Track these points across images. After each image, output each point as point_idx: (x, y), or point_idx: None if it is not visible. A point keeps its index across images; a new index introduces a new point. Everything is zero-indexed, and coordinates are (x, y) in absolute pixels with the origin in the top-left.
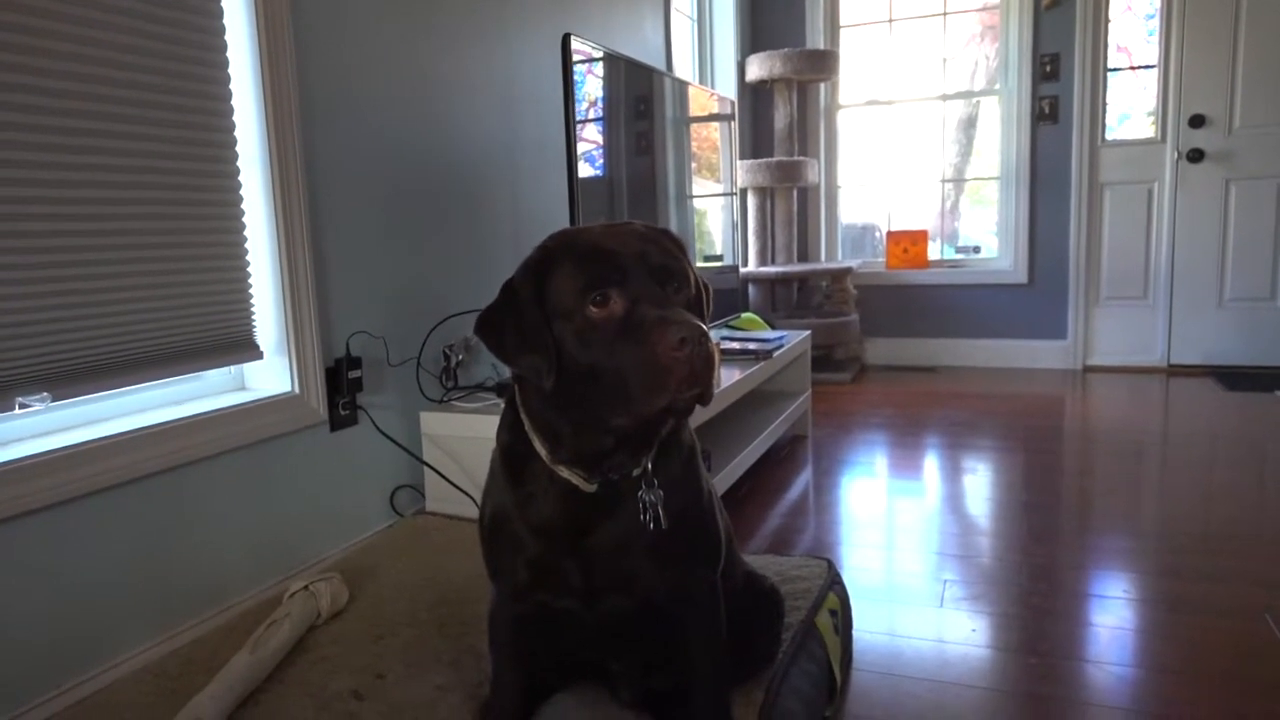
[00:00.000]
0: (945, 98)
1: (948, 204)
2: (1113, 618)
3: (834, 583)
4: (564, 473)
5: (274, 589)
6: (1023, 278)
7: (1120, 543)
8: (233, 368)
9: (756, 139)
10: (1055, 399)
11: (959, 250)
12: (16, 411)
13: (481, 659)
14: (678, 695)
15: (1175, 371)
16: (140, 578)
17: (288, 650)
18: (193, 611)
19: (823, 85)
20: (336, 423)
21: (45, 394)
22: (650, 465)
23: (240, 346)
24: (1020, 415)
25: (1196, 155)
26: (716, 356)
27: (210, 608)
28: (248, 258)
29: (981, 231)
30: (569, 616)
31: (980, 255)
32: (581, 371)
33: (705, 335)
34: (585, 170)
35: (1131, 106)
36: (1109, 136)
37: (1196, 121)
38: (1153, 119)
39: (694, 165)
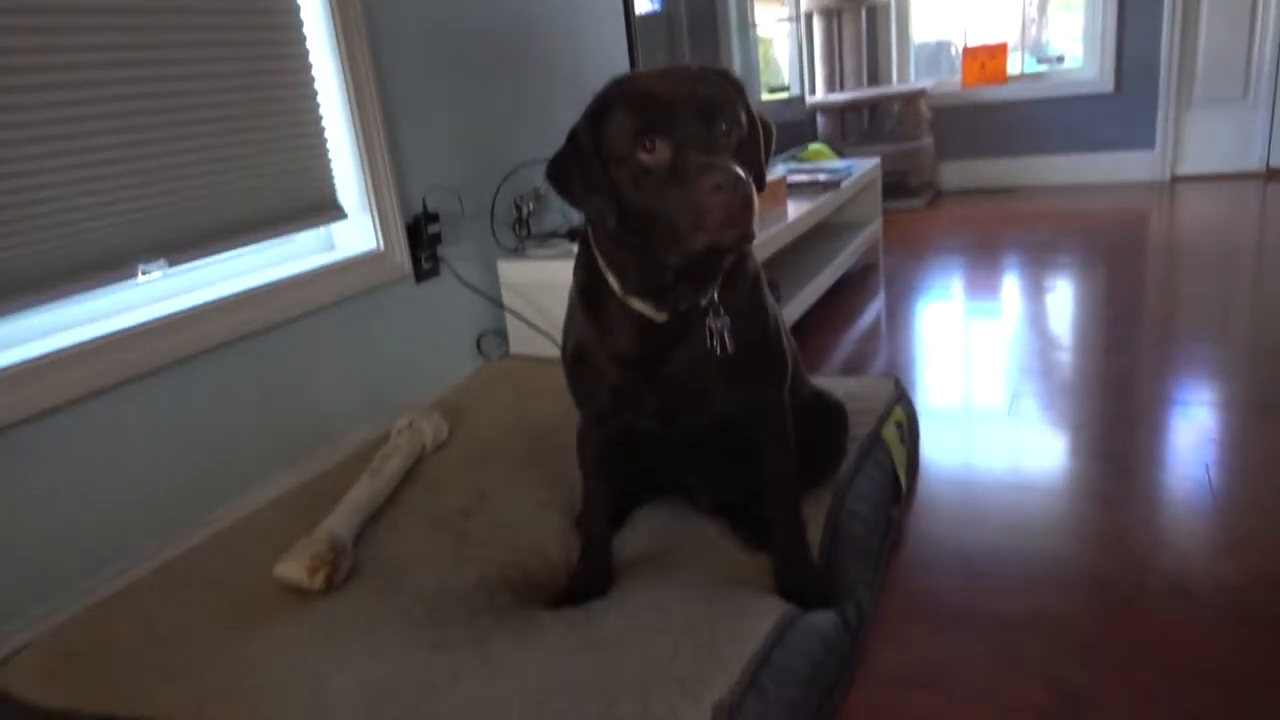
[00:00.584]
0: None
1: (1030, 11)
2: (1192, 423)
3: (900, 398)
4: (636, 305)
5: (381, 427)
6: (1109, 86)
7: (1204, 351)
8: (321, 230)
9: None
10: (1140, 212)
11: (1041, 61)
12: (139, 279)
13: (573, 480)
14: (752, 502)
15: (1275, 176)
16: (263, 422)
17: (400, 478)
18: (314, 449)
19: None
20: (420, 275)
21: (162, 260)
22: (716, 295)
23: (325, 208)
24: (1102, 231)
25: None
26: (755, 199)
27: (327, 445)
28: (323, 123)
29: (1067, 40)
30: (650, 436)
31: (1064, 66)
32: (637, 212)
33: (740, 180)
34: (643, 5)
35: None
36: None
37: None
38: None
39: None
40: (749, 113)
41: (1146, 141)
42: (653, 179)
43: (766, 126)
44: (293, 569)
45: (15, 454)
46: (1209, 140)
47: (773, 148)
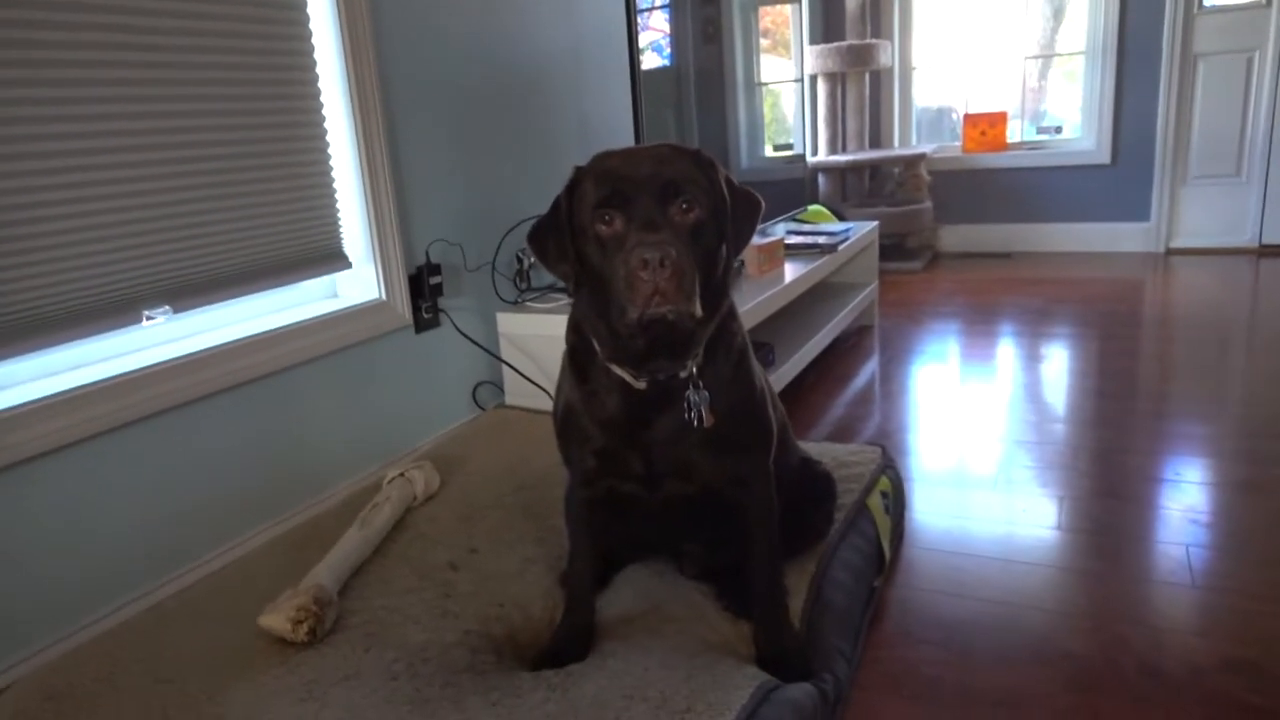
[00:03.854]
0: None
1: (1031, 81)
2: (1177, 501)
3: (886, 467)
4: (617, 371)
5: (373, 476)
6: (1105, 158)
7: (1193, 427)
8: (325, 278)
9: (828, 22)
10: (1134, 283)
11: (1040, 130)
12: (144, 324)
13: (561, 536)
14: (738, 568)
15: (1266, 252)
16: (260, 466)
17: (390, 528)
18: (306, 495)
19: None
20: (420, 325)
21: (167, 307)
22: (697, 368)
23: (331, 257)
24: (1097, 301)
25: None
26: (686, 276)
27: (320, 492)
28: (333, 174)
29: (1066, 109)
30: (635, 499)
31: (1062, 135)
32: (597, 281)
33: (669, 258)
34: (651, 61)
35: None
36: (1207, 2)
37: None
38: None
39: (762, 52)
40: (721, 190)
41: (1142, 214)
42: (607, 250)
43: (751, 200)
44: (277, 621)
45: (15, 494)
46: (1203, 215)
47: (757, 221)
